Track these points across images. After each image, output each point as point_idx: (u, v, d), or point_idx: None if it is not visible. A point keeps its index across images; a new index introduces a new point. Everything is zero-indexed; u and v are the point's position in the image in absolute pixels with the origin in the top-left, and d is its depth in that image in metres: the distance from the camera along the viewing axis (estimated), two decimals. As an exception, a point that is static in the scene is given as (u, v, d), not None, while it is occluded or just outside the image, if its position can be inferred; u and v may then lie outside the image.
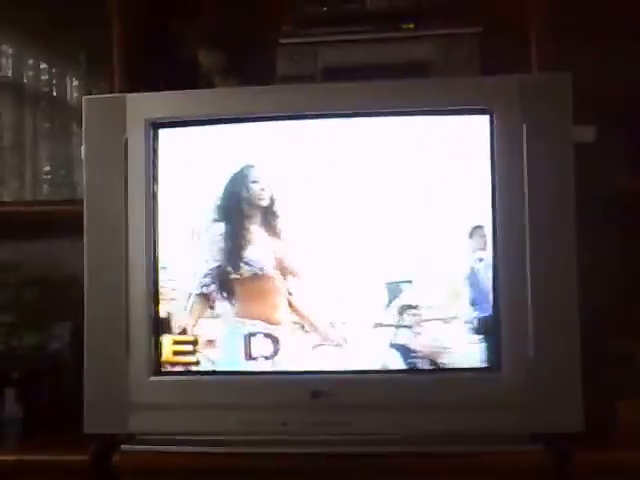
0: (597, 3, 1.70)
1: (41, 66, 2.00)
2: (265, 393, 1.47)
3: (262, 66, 1.67)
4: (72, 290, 1.64)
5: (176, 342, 1.50)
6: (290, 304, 1.48)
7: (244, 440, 1.45)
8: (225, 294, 1.49)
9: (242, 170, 1.49)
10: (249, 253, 1.49)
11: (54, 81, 2.01)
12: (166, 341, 1.50)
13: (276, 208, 1.48)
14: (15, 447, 1.66)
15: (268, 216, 1.49)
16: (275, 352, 1.48)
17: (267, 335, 1.48)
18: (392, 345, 1.46)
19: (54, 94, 2.01)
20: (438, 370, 1.45)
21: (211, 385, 1.49)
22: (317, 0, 1.67)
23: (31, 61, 2.00)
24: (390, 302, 1.45)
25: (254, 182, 1.49)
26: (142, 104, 1.52)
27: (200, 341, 1.49)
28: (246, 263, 1.49)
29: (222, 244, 1.50)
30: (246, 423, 1.45)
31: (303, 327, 1.47)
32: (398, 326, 1.45)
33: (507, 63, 1.52)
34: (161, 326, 1.50)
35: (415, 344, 1.45)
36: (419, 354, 1.45)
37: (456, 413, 1.42)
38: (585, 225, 1.43)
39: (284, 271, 1.48)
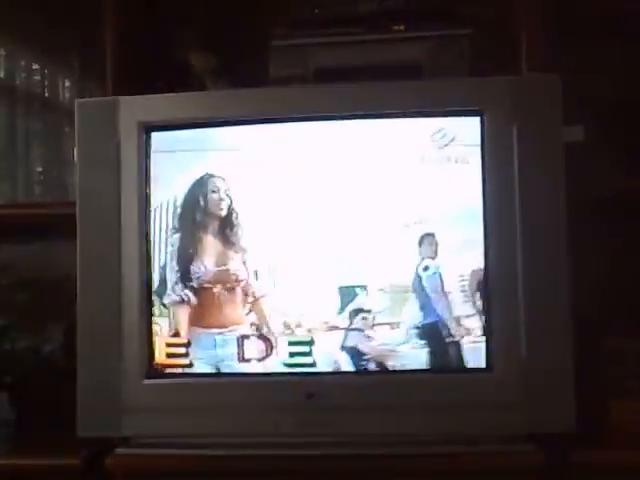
0: (587, 4, 1.70)
1: (33, 67, 2.00)
2: (259, 395, 1.47)
3: (255, 68, 1.68)
4: (65, 292, 1.63)
5: (169, 344, 1.50)
6: (251, 308, 1.48)
7: (238, 442, 1.45)
8: (191, 299, 1.50)
9: (202, 178, 1.50)
10: (207, 260, 1.50)
11: (46, 82, 2.00)
12: (159, 343, 1.50)
13: (234, 216, 1.49)
14: (8, 450, 1.65)
15: (226, 224, 1.49)
16: (268, 354, 1.48)
17: (260, 337, 1.48)
18: (343, 347, 1.47)
19: (46, 95, 2.00)
20: (433, 371, 1.46)
21: (204, 387, 1.49)
22: (309, 2, 1.67)
23: (23, 62, 2.00)
24: (345, 306, 1.47)
25: (213, 192, 1.50)
26: (135, 107, 1.52)
27: (192, 343, 1.50)
28: (203, 270, 1.50)
29: (183, 251, 1.51)
30: (240, 425, 1.45)
31: (260, 330, 1.48)
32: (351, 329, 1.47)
33: (497, 64, 1.53)
34: (154, 328, 1.50)
35: (365, 347, 1.46)
36: (368, 356, 1.47)
37: (450, 414, 1.42)
38: (577, 224, 1.43)
39: (243, 277, 1.49)
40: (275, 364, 1.48)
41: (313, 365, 1.47)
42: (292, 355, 1.47)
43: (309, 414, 1.44)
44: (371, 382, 1.47)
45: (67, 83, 2.00)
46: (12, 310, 1.82)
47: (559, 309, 1.41)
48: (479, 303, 1.45)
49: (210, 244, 1.50)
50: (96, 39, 1.74)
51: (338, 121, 1.50)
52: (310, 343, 1.47)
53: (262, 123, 1.50)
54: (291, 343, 1.47)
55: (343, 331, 1.47)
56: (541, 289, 1.42)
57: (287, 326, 1.47)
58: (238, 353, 1.48)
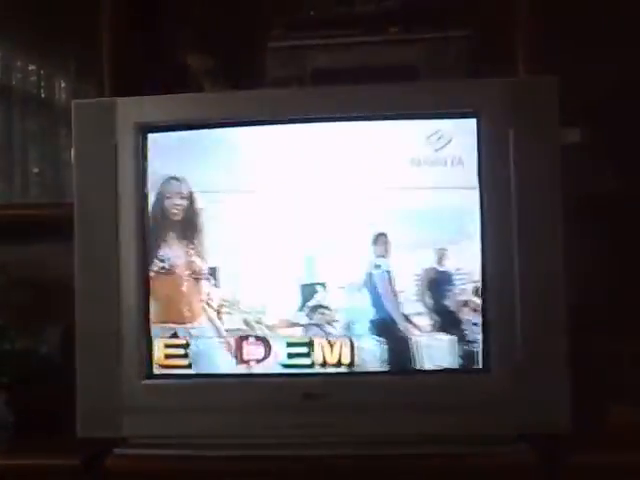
0: (583, 7, 1.71)
1: (30, 68, 1.99)
2: (256, 395, 1.47)
3: (252, 69, 1.68)
4: (63, 293, 1.63)
5: (167, 345, 1.51)
6: (210, 306, 1.50)
7: (236, 443, 1.46)
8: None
9: (165, 181, 1.51)
10: (165, 256, 1.51)
11: (43, 83, 2.00)
12: (158, 344, 1.51)
13: (196, 217, 1.50)
14: (6, 451, 1.64)
15: (185, 227, 1.50)
16: (266, 355, 1.49)
17: (258, 338, 1.49)
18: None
19: (43, 96, 2.00)
20: (432, 372, 1.46)
21: (203, 388, 1.49)
22: (306, 3, 1.68)
23: (20, 63, 1.99)
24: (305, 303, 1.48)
25: (168, 197, 1.51)
26: (132, 108, 1.52)
27: (191, 344, 1.50)
28: (163, 265, 1.51)
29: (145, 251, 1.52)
30: (238, 426, 1.46)
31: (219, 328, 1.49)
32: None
33: (494, 66, 1.54)
34: (153, 329, 1.50)
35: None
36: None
37: (447, 414, 1.43)
38: (573, 226, 1.44)
39: (203, 274, 1.50)
40: (273, 365, 1.49)
41: (311, 366, 1.48)
42: (290, 356, 1.48)
43: (307, 415, 1.44)
44: (369, 382, 1.47)
45: (63, 84, 1.99)
46: (9, 311, 1.81)
47: (555, 310, 1.42)
48: (429, 301, 1.46)
49: (172, 245, 1.51)
50: (93, 40, 1.74)
51: (334, 123, 1.50)
52: (308, 344, 1.48)
53: (259, 125, 1.50)
54: (289, 344, 1.48)
55: (302, 327, 1.48)
56: (537, 290, 1.42)
57: (247, 323, 1.48)
58: (236, 354, 1.49)
